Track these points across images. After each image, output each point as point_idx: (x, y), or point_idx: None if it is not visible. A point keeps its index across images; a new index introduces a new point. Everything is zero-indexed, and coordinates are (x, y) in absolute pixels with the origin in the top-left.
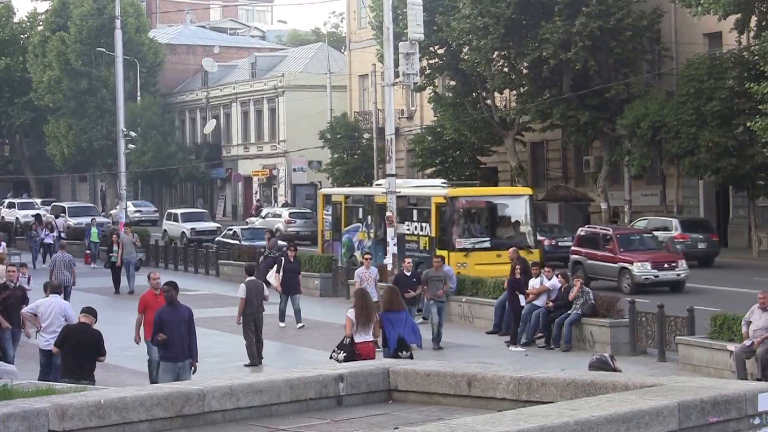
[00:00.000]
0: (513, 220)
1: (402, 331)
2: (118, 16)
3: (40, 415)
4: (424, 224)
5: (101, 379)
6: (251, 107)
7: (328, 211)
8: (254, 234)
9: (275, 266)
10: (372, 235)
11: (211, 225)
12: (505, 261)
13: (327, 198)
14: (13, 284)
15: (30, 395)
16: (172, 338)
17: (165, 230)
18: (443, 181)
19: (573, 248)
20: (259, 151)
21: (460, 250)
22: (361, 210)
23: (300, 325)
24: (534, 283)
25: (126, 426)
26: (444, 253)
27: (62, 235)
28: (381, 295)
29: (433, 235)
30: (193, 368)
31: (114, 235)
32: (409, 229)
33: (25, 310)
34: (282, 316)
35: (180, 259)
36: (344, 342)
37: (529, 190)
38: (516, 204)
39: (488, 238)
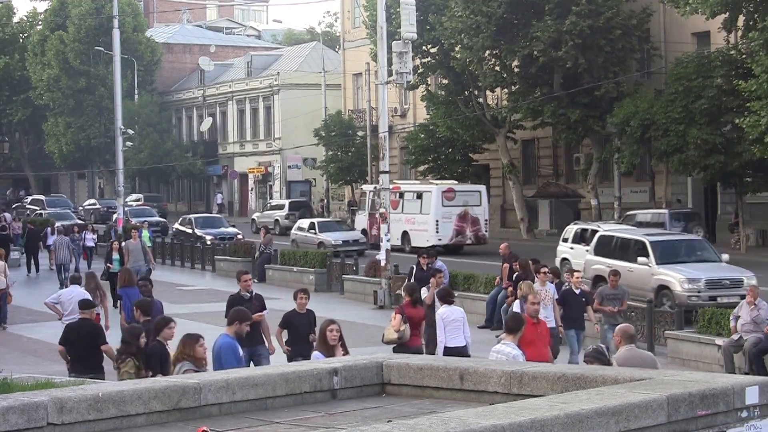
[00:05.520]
0: None
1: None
2: (115, 16)
3: (39, 408)
4: None
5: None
6: (247, 105)
7: None
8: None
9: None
10: None
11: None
12: None
13: None
14: (249, 294)
15: (29, 389)
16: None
17: None
18: None
19: None
20: (255, 149)
21: None
22: None
23: None
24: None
25: (124, 419)
26: None
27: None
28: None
29: None
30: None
31: (114, 242)
32: None
33: (48, 300)
34: None
35: (176, 255)
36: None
37: None
38: None
39: None
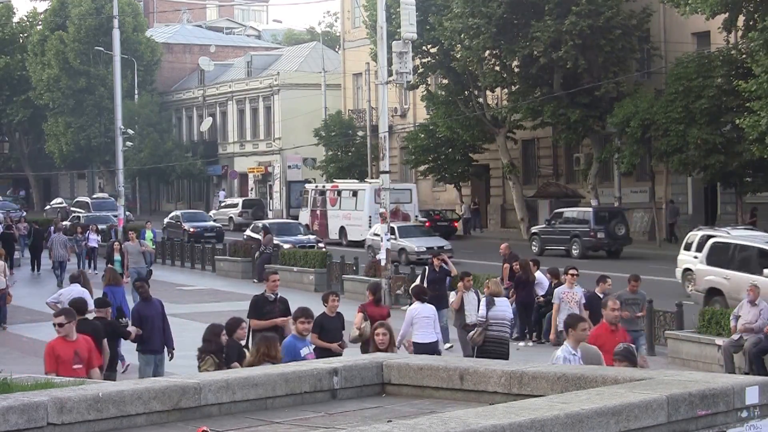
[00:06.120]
0: None
1: (121, 302)
2: (115, 16)
3: (39, 408)
4: None
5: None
6: (247, 105)
7: None
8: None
9: (418, 277)
10: None
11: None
12: None
13: None
14: (274, 296)
15: (29, 389)
16: (151, 331)
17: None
18: None
19: None
20: (255, 149)
21: None
22: None
23: (448, 345)
24: None
25: (124, 419)
26: None
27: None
28: (104, 275)
29: None
30: (170, 355)
31: (115, 242)
32: None
33: (49, 299)
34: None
35: (177, 255)
36: None
37: None
38: None
39: None
